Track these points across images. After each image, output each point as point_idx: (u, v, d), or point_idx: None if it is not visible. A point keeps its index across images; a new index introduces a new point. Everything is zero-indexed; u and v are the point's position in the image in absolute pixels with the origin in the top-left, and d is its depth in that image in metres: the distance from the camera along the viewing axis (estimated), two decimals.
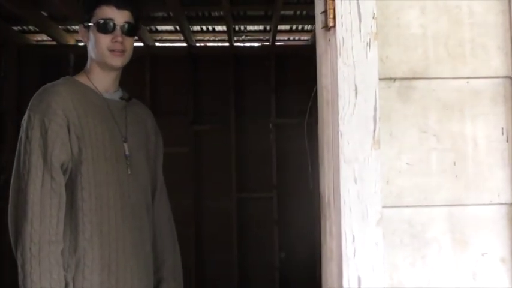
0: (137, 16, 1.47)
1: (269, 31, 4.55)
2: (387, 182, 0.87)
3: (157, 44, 4.86)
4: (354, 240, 0.85)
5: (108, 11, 1.39)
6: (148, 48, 4.60)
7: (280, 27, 4.36)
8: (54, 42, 4.54)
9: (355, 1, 0.87)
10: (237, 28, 4.50)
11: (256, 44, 4.87)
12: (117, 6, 1.39)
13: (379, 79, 0.87)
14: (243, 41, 4.85)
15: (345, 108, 0.86)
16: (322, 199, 0.94)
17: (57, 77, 1.47)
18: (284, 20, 4.19)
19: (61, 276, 1.24)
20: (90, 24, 1.41)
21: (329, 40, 0.91)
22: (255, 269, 4.61)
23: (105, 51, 1.39)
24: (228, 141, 4.64)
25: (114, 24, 1.38)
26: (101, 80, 1.44)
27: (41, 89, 1.36)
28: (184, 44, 4.70)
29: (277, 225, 4.61)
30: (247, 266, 4.60)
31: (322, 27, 0.92)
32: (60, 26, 4.33)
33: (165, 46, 4.76)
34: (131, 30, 1.43)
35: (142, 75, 4.62)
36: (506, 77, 0.89)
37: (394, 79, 0.89)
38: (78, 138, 1.31)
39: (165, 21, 4.22)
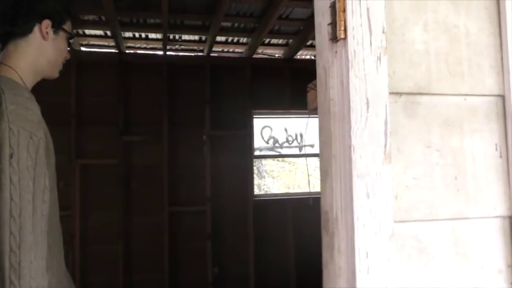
0: None
1: (204, 41, 4.50)
2: (396, 197, 0.87)
3: (83, 48, 4.57)
4: (367, 257, 0.83)
5: (71, 27, 1.35)
6: (75, 53, 4.30)
7: (216, 38, 4.33)
8: None
9: (366, 14, 0.87)
10: (171, 37, 4.38)
11: (191, 54, 4.78)
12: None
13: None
14: (177, 50, 4.74)
15: (357, 122, 0.85)
16: (327, 215, 0.91)
17: None
18: (221, 31, 4.17)
19: None
20: (63, 29, 1.31)
21: (336, 52, 0.90)
22: (187, 285, 4.46)
23: (60, 62, 1.34)
24: (160, 152, 4.48)
25: None
26: (31, 83, 1.28)
27: (6, 92, 1.10)
28: (115, 50, 4.47)
29: (210, 239, 4.52)
30: (179, 283, 4.43)
31: (329, 39, 0.90)
32: None
33: (93, 51, 4.49)
34: None
35: (67, 81, 4.31)
36: (498, 95, 0.93)
37: (400, 94, 0.89)
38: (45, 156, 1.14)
39: (95, 25, 3.99)
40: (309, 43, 4.55)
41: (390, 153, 0.85)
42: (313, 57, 5.05)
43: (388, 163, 0.85)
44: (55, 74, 1.34)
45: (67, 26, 1.33)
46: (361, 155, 0.84)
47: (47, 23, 1.26)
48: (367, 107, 0.85)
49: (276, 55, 4.92)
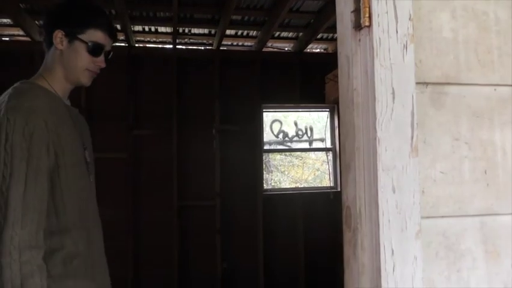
0: None
1: (214, 35, 4.46)
2: (422, 191, 0.83)
3: None
4: (393, 254, 0.80)
5: (102, 37, 1.42)
6: None
7: (226, 31, 4.28)
8: None
9: (392, 0, 0.82)
10: (180, 30, 4.35)
11: (201, 48, 4.74)
12: (110, 36, 1.46)
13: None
14: (186, 43, 4.70)
15: (383, 113, 0.81)
16: (349, 210, 0.88)
17: None
18: (231, 24, 4.12)
19: (44, 281, 1.20)
20: (79, 38, 1.39)
21: (359, 40, 0.86)
22: (196, 281, 4.45)
23: (83, 69, 1.42)
24: (169, 146, 4.46)
25: (103, 50, 1.44)
26: (62, 88, 1.43)
27: (13, 92, 1.31)
28: (124, 44, 4.45)
29: (219, 233, 4.50)
30: (188, 277, 4.43)
31: (353, 27, 0.86)
32: None
33: None
34: (109, 57, 1.49)
35: None
36: None
37: (427, 84, 0.85)
38: (54, 143, 1.29)
39: None
40: (319, 36, 4.50)
41: (417, 145, 0.81)
42: (323, 51, 5.00)
43: (414, 156, 0.81)
44: (81, 80, 1.43)
45: (87, 35, 1.40)
46: (386, 147, 0.80)
47: (57, 33, 1.39)
48: (393, 98, 0.81)
49: (286, 49, 4.86)
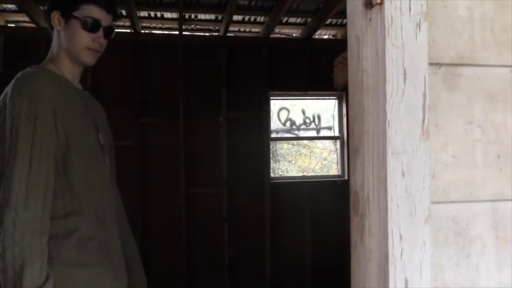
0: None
1: (220, 21, 4.41)
2: (433, 175, 0.81)
3: None
4: (401, 240, 0.77)
5: (97, 11, 1.40)
6: None
7: (233, 17, 4.23)
8: None
9: None
10: (186, 16, 4.31)
11: (207, 34, 4.70)
12: (106, 9, 1.42)
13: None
14: (192, 30, 4.66)
15: (393, 95, 0.78)
16: (357, 195, 0.85)
17: None
18: (238, 9, 4.07)
19: (43, 267, 1.18)
20: (73, 16, 1.38)
21: (370, 19, 0.83)
22: (204, 267, 4.47)
23: (83, 48, 1.40)
24: (176, 134, 4.45)
25: (100, 26, 1.40)
26: (70, 71, 1.43)
27: (19, 76, 1.31)
28: (130, 30, 4.42)
29: (226, 221, 4.51)
30: (196, 263, 4.45)
31: (363, 5, 0.83)
32: None
33: None
34: (111, 33, 1.46)
35: None
36: None
37: (440, 65, 0.82)
38: (63, 124, 1.29)
39: None
40: (328, 22, 4.43)
41: (428, 128, 0.79)
42: (332, 37, 4.93)
43: (425, 139, 0.79)
44: (83, 60, 1.41)
45: (81, 11, 1.38)
46: (396, 130, 0.78)
47: (54, 14, 1.40)
48: (404, 79, 0.78)
49: (294, 35, 4.81)
